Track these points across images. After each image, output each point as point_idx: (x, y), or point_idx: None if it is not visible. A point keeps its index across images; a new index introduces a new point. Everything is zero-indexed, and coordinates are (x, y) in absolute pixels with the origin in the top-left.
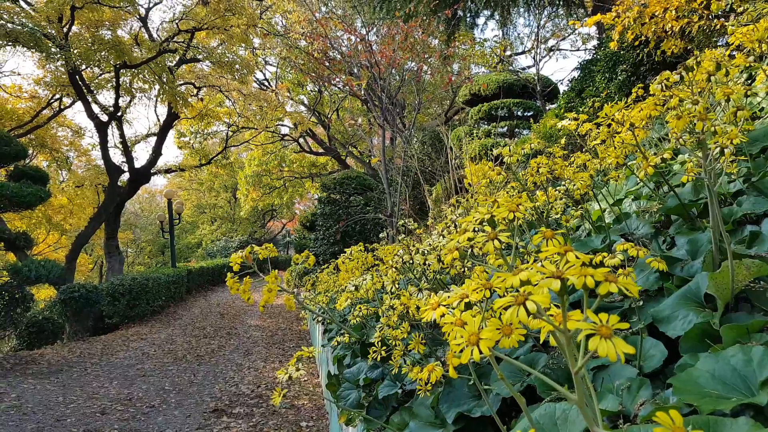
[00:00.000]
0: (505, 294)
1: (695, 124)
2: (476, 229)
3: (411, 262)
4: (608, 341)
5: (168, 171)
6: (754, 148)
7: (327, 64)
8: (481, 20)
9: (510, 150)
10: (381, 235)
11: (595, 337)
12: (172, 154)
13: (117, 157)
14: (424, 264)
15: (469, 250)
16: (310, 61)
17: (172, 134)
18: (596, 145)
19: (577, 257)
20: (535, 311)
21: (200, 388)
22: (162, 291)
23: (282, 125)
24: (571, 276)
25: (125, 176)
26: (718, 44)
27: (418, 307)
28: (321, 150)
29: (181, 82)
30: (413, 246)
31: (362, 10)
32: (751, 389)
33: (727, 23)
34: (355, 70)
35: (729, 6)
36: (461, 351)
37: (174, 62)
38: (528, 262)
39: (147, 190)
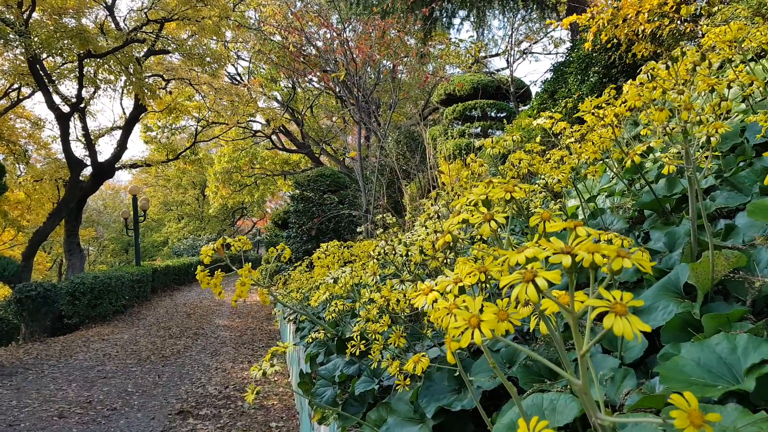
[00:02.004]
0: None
1: (678, 115)
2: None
3: (394, 253)
4: (623, 319)
5: (133, 166)
6: (725, 146)
7: (302, 59)
8: (456, 21)
9: (492, 142)
10: (359, 230)
11: (609, 315)
12: (138, 148)
13: (79, 150)
14: (406, 255)
15: (456, 240)
16: (284, 56)
17: (138, 128)
18: (572, 143)
19: (588, 233)
20: (546, 288)
21: (165, 389)
22: (126, 290)
23: (254, 121)
24: (582, 251)
25: (88, 171)
26: (686, 48)
27: (398, 300)
28: (294, 147)
29: (149, 74)
30: (394, 238)
31: (338, 5)
32: (736, 377)
33: (696, 27)
34: (331, 66)
35: (698, 10)
36: (461, 334)
37: (142, 53)
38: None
39: (111, 186)
